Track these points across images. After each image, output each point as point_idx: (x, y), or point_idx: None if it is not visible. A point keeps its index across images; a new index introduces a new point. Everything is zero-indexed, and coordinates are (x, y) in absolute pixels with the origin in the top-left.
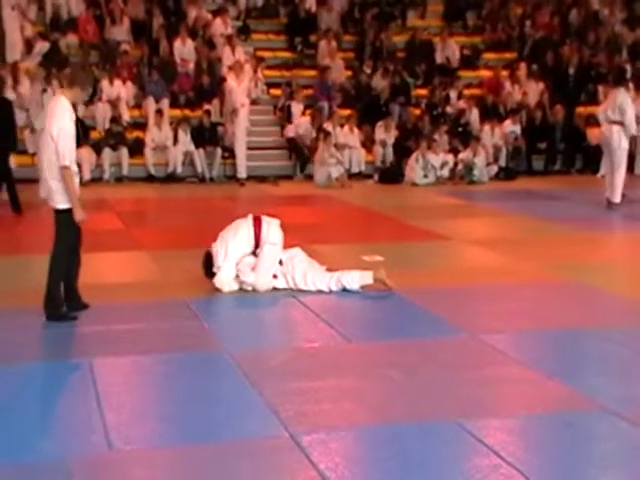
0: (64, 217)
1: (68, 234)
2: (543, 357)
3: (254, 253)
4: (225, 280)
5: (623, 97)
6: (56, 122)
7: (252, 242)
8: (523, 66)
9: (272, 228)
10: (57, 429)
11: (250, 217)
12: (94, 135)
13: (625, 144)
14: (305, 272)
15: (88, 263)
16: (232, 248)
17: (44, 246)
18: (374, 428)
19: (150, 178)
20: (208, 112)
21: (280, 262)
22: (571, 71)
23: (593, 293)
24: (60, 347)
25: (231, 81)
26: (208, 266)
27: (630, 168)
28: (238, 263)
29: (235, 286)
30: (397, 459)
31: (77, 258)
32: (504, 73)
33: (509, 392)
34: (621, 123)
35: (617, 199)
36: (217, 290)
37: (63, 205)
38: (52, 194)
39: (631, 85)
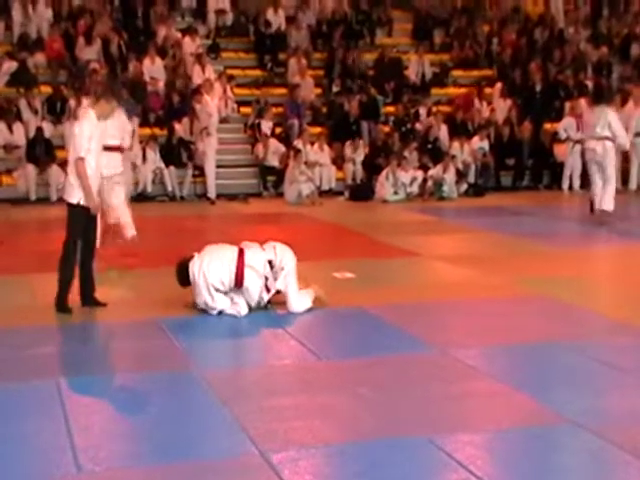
0: (72, 211)
1: (76, 228)
2: (512, 371)
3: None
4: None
5: (611, 114)
6: (79, 124)
7: (232, 284)
8: (498, 85)
9: (280, 252)
10: (24, 451)
11: (235, 255)
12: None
13: (615, 158)
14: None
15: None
16: (216, 283)
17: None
18: (344, 445)
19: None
20: (172, 129)
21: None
22: (538, 88)
23: (561, 307)
24: (27, 367)
25: (197, 103)
26: (183, 276)
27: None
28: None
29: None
30: (367, 475)
31: (90, 252)
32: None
33: (478, 407)
34: (611, 139)
35: (612, 207)
36: (188, 309)
37: (72, 199)
38: (66, 187)
39: (617, 100)
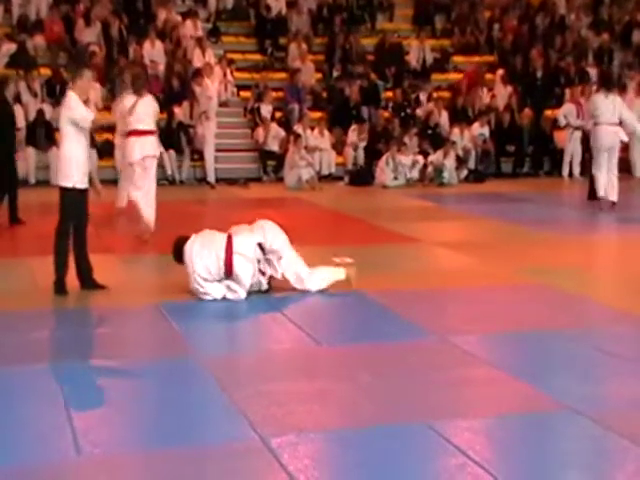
0: (66, 195)
1: (70, 212)
2: (511, 358)
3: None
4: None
5: (620, 101)
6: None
7: (222, 272)
8: (499, 71)
9: (268, 233)
10: (24, 435)
11: (224, 242)
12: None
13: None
14: (290, 263)
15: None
16: (202, 273)
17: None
18: (343, 430)
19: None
20: (172, 113)
21: (263, 250)
22: (539, 75)
23: (561, 295)
24: (26, 351)
25: (198, 86)
26: (179, 256)
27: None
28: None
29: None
30: (366, 461)
31: (83, 235)
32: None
33: (477, 393)
34: (619, 125)
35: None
36: (188, 294)
37: (67, 183)
38: (60, 171)
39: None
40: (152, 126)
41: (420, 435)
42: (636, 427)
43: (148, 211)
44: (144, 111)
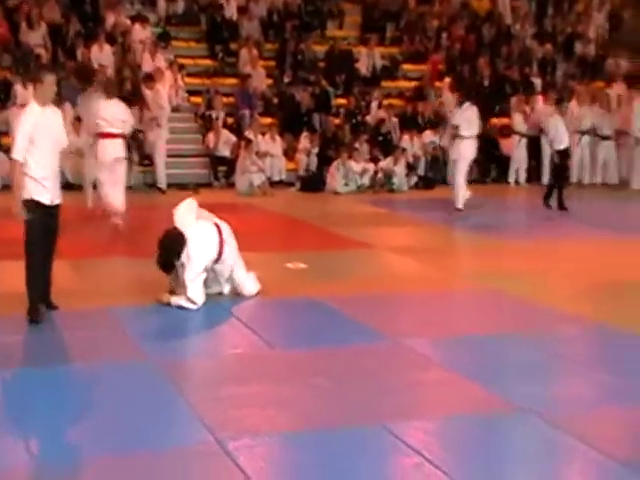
0: (26, 207)
1: (34, 226)
2: (463, 361)
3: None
4: (198, 295)
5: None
6: (19, 119)
7: (217, 254)
8: (447, 79)
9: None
10: None
11: (214, 226)
12: (8, 141)
13: None
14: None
15: (3, 271)
16: (200, 261)
17: None
18: (299, 433)
19: (68, 186)
20: None
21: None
22: (485, 83)
23: (511, 300)
24: None
25: (149, 90)
26: (169, 259)
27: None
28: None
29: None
30: (322, 462)
31: (47, 258)
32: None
33: (431, 395)
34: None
35: None
36: (139, 299)
37: (24, 194)
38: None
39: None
40: (121, 129)
41: (376, 436)
42: (584, 426)
43: (118, 198)
44: (114, 114)
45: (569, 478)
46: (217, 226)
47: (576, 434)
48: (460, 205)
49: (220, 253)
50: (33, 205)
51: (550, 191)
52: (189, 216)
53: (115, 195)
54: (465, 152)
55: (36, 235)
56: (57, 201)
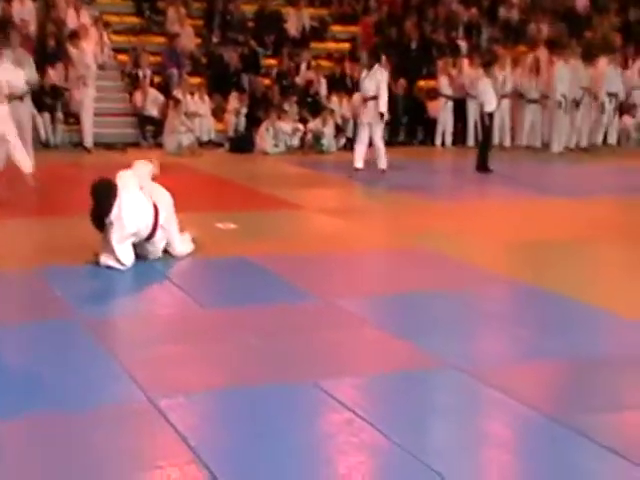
0: None
1: None
2: (392, 319)
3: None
4: (126, 256)
5: None
6: None
7: (148, 235)
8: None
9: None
10: None
11: (152, 207)
12: None
13: None
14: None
15: None
16: (130, 225)
17: None
18: (231, 390)
19: None
20: (46, 75)
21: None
22: (413, 46)
23: (438, 259)
24: None
25: (74, 48)
26: (100, 216)
27: None
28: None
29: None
30: (254, 418)
31: None
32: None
33: (361, 352)
34: None
35: None
36: (66, 259)
37: None
38: None
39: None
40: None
41: (307, 393)
42: (507, 380)
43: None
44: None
45: (493, 429)
46: (155, 208)
47: (500, 388)
48: (385, 166)
49: (151, 235)
50: None
51: (485, 154)
52: (133, 180)
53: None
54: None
55: None
56: None
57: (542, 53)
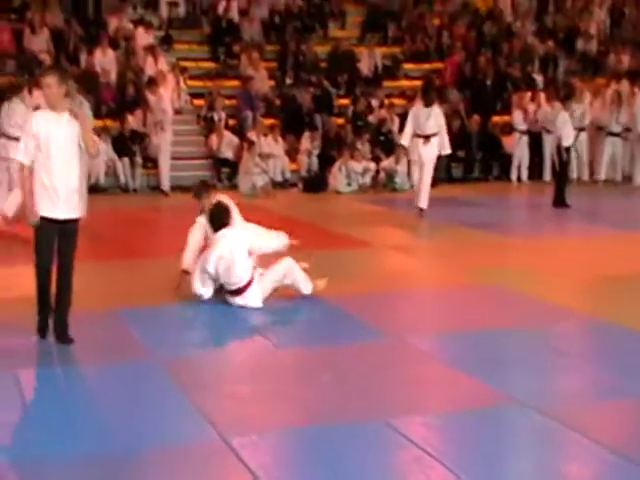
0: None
1: (41, 247)
2: (464, 357)
3: None
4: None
5: None
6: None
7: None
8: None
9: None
10: None
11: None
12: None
13: None
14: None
15: (7, 276)
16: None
17: None
18: (304, 429)
19: None
20: (125, 121)
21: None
22: (487, 81)
23: (510, 296)
24: None
25: (152, 95)
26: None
27: None
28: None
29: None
30: (326, 457)
31: (60, 279)
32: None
33: (432, 390)
34: None
35: None
36: (145, 300)
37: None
38: None
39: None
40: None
41: (377, 431)
42: (580, 419)
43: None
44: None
45: (566, 467)
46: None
47: (576, 426)
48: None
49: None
50: (41, 221)
51: (562, 189)
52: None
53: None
54: (432, 153)
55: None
56: (71, 215)
57: (624, 85)
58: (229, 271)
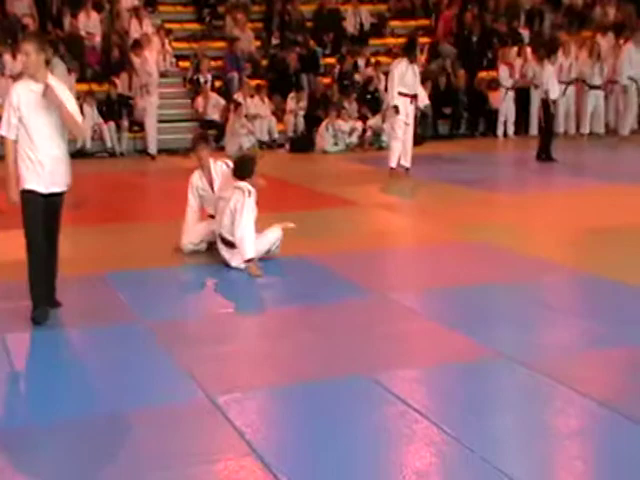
0: (21, 198)
1: (31, 220)
2: (448, 312)
3: None
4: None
5: None
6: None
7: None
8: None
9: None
10: None
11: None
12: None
13: None
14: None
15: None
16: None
17: None
18: (288, 387)
19: None
20: (114, 84)
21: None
22: (473, 37)
23: (496, 252)
24: None
25: (137, 58)
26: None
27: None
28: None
29: None
30: (311, 413)
31: (52, 248)
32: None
33: (417, 345)
34: None
35: None
36: (132, 264)
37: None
38: None
39: None
40: None
41: (363, 388)
42: (565, 371)
43: None
44: None
45: (553, 421)
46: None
47: (559, 379)
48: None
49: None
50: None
51: (548, 144)
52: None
53: None
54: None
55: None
56: (56, 189)
57: (609, 38)
58: (232, 225)
